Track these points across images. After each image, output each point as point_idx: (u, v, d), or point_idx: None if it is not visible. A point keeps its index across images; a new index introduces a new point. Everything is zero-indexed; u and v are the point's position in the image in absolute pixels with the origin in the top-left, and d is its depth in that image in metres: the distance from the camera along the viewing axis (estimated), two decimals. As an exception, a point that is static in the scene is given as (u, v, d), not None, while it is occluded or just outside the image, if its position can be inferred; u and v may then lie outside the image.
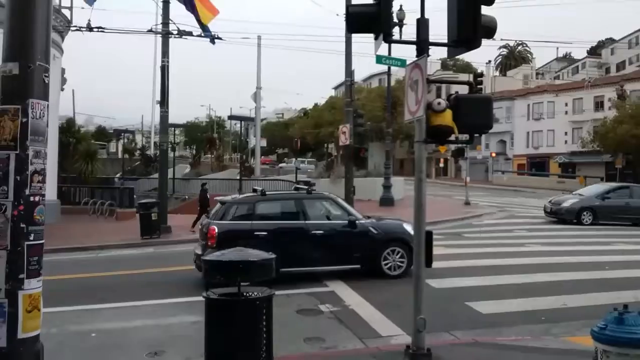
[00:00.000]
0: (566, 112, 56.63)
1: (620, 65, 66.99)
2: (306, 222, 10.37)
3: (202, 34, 18.72)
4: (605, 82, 55.32)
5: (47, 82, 3.79)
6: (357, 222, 10.53)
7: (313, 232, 10.25)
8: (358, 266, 10.42)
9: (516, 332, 7.19)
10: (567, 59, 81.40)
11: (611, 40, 72.52)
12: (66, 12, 22.13)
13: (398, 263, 10.42)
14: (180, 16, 20.10)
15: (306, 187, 11.41)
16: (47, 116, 3.82)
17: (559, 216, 20.88)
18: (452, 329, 7.20)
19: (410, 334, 5.80)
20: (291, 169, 47.96)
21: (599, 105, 53.79)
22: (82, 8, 21.28)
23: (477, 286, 9.77)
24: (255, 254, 4.75)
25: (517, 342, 6.66)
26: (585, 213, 20.38)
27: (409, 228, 10.06)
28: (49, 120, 3.88)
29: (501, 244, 15.36)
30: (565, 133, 56.69)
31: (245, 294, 4.57)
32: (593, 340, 3.87)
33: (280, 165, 64.58)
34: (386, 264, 10.40)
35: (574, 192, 23.28)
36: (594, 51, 74.38)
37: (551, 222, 21.04)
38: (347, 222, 10.47)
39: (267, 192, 11.03)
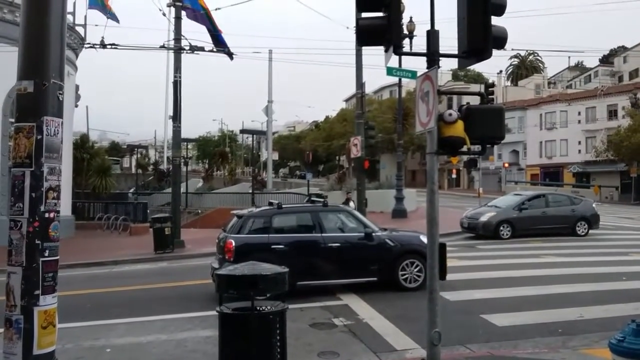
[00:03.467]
0: (579, 121, 56.31)
1: (633, 73, 66.51)
2: (323, 234, 10.36)
3: (217, 49, 18.94)
4: (618, 90, 55.00)
5: (61, 99, 3.84)
6: (373, 234, 10.50)
7: (330, 244, 10.24)
8: (375, 278, 10.38)
9: (532, 344, 7.09)
10: (579, 67, 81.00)
11: (623, 49, 72.10)
12: (80, 29, 22.48)
13: (415, 276, 10.36)
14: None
15: (321, 200, 11.41)
16: (62, 133, 3.87)
17: (477, 231, 19.59)
18: (467, 342, 7.12)
19: (425, 348, 5.75)
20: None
21: (612, 113, 53.44)
22: (96, 25, 21.70)
23: (492, 298, 9.67)
24: (267, 268, 4.75)
25: (533, 355, 6.56)
26: (503, 226, 19.22)
27: (426, 240, 10.04)
28: (63, 137, 3.92)
29: (516, 255, 15.22)
30: (579, 142, 56.32)
31: (258, 308, 4.56)
32: (611, 353, 3.82)
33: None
34: (403, 276, 10.35)
35: (489, 204, 21.90)
36: (606, 59, 74.02)
37: (470, 238, 19.69)
38: (363, 234, 10.45)
39: (283, 205, 11.06)
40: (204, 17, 18.76)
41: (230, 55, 19.39)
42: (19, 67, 3.78)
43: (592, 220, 20.46)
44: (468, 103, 6.00)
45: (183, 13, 18.67)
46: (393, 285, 10.29)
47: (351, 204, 20.43)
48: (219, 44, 19.21)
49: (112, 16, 20.77)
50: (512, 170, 60.75)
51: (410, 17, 23.06)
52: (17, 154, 3.72)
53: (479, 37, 5.45)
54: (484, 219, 19.60)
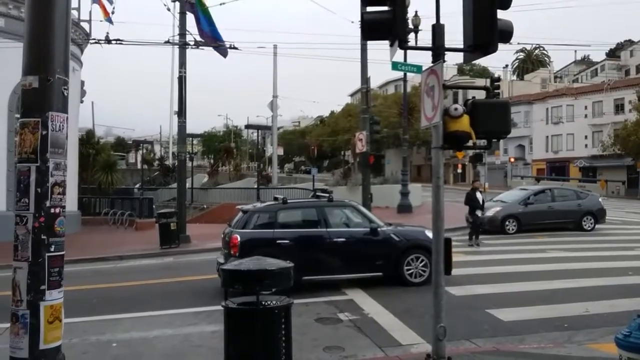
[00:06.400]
0: (586, 116, 56.04)
1: (640, 67, 66.09)
2: (328, 229, 10.36)
3: (216, 45, 18.95)
4: (625, 84, 54.67)
5: (66, 94, 3.84)
6: (378, 229, 10.49)
7: (335, 239, 10.24)
8: (380, 273, 10.38)
9: (538, 339, 7.08)
10: (586, 61, 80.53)
11: (630, 42, 71.62)
12: (85, 25, 22.49)
13: (420, 271, 10.36)
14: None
15: (326, 195, 11.41)
16: (67, 128, 3.87)
17: (482, 226, 18.83)
18: (472, 337, 7.12)
19: (431, 343, 5.74)
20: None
21: (619, 108, 53.15)
22: (101, 21, 21.72)
23: (498, 293, 9.66)
24: (272, 263, 4.75)
25: (539, 350, 6.56)
26: (509, 221, 19.18)
27: (431, 235, 10.03)
28: (68, 132, 3.93)
29: (521, 250, 15.19)
30: (585, 137, 56.07)
31: (264, 303, 4.56)
32: (617, 348, 3.80)
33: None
34: (408, 271, 10.35)
35: (495, 199, 21.78)
36: (612, 53, 73.52)
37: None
38: (368, 229, 10.45)
39: (288, 201, 11.06)
40: (205, 15, 18.73)
41: (225, 53, 19.38)
42: (24, 63, 3.79)
43: (599, 215, 20.37)
44: (474, 97, 5.97)
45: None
46: (398, 280, 10.29)
47: (478, 194, 16.90)
48: (216, 40, 19.19)
49: (107, 20, 21.09)
50: (518, 165, 60.60)
51: (416, 11, 22.98)
52: (22, 149, 3.73)
53: (485, 31, 5.41)
54: (489, 213, 19.53)
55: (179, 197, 19.48)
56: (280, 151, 59.37)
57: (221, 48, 19.18)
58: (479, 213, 16.43)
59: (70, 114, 4.07)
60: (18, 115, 3.88)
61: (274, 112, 47.20)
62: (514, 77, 77.84)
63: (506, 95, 58.96)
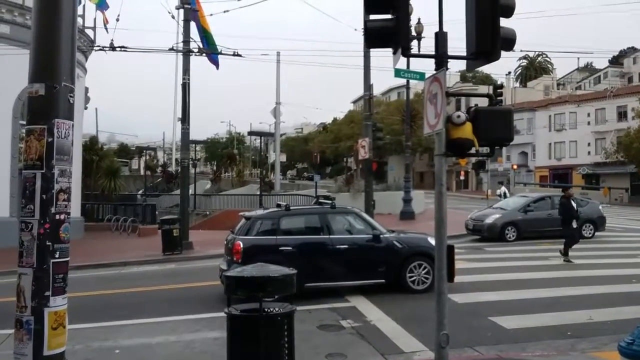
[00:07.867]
0: (589, 123, 55.99)
1: (643, 75, 66.04)
2: (331, 236, 10.36)
3: (212, 53, 19.10)
4: (627, 91, 54.63)
5: (72, 102, 3.88)
6: (381, 236, 10.49)
7: (338, 246, 10.24)
8: (382, 280, 10.37)
9: (541, 347, 7.06)
10: (589, 69, 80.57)
11: (633, 50, 71.62)
12: (89, 32, 22.63)
13: (423, 278, 10.35)
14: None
15: (329, 201, 11.40)
16: (72, 135, 3.90)
17: (482, 234, 19.43)
18: (475, 344, 7.10)
19: (433, 350, 5.73)
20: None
21: (622, 115, 53.10)
22: (103, 27, 21.89)
23: (501, 301, 9.64)
24: (275, 270, 4.76)
25: (542, 358, 6.54)
26: (508, 229, 19.05)
27: (433, 242, 10.03)
28: (73, 139, 3.96)
29: (524, 257, 15.15)
30: (588, 144, 56.01)
31: (266, 309, 4.57)
32: (620, 356, 3.79)
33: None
34: (411, 278, 10.34)
35: (494, 206, 21.77)
36: (615, 61, 73.53)
37: (476, 240, 19.35)
38: (371, 236, 10.44)
39: (291, 207, 11.06)
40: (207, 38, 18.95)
41: (217, 64, 19.61)
42: (30, 70, 3.82)
43: (599, 223, 20.32)
44: (476, 105, 5.99)
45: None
46: (401, 287, 10.28)
47: (573, 203, 15.21)
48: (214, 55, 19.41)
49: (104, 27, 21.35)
50: (521, 172, 60.47)
51: (419, 19, 23.01)
52: (28, 156, 3.75)
53: (488, 39, 5.43)
54: (489, 220, 19.48)
55: (182, 203, 19.49)
56: (283, 158, 59.37)
57: (215, 59, 19.35)
58: (574, 224, 15.02)
59: (75, 121, 4.10)
60: (23, 122, 3.92)
61: (276, 118, 47.18)
62: (517, 84, 77.83)
63: (509, 103, 58.92)
